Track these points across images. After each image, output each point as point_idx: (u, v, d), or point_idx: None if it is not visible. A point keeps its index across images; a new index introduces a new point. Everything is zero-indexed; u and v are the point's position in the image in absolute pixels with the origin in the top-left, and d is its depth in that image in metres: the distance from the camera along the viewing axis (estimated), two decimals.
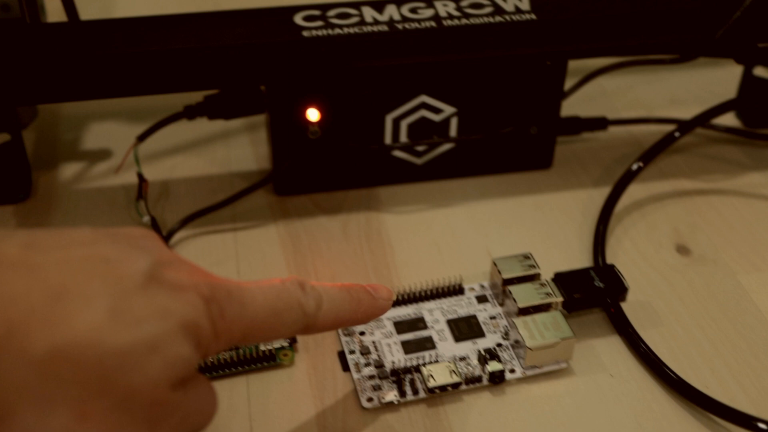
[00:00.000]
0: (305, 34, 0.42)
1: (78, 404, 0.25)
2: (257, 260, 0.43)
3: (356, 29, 0.43)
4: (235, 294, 0.29)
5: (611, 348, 0.39)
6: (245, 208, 0.46)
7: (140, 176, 0.45)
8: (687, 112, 0.49)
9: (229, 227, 0.45)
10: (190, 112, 0.46)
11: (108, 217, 0.45)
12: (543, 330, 0.37)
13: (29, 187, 0.46)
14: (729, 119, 0.53)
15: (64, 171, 0.48)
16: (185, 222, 0.44)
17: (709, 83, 0.56)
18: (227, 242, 0.44)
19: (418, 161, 0.47)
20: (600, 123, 0.50)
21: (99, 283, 0.26)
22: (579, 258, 0.43)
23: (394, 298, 0.36)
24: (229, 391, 0.37)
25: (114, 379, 0.25)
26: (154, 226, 0.44)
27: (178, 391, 0.27)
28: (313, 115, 0.44)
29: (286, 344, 0.38)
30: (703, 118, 0.47)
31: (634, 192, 0.47)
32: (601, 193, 0.47)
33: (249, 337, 0.30)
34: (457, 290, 0.41)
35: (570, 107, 0.51)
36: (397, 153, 0.47)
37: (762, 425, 0.35)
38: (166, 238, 0.43)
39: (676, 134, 0.47)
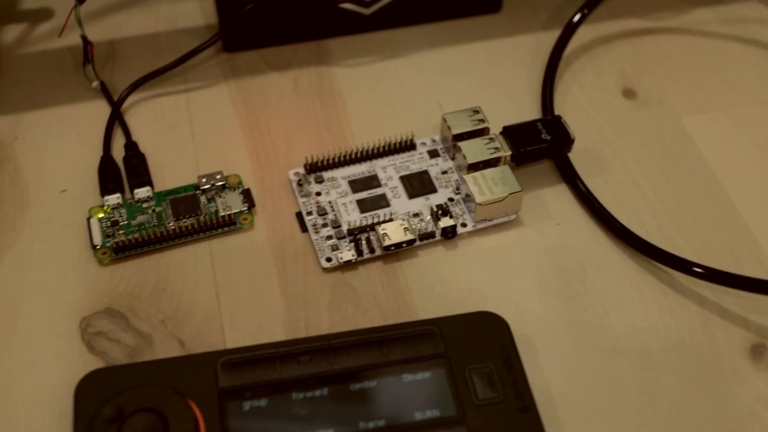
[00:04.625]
0: None
1: None
2: (210, 122, 0.43)
3: None
4: None
5: (558, 197, 0.40)
6: (195, 67, 0.46)
7: (84, 39, 0.44)
8: None
9: (181, 88, 0.45)
10: None
11: (56, 82, 0.45)
12: (492, 185, 0.38)
13: None
14: None
15: (5, 34, 0.47)
16: (135, 86, 0.44)
17: None
18: (179, 104, 0.44)
19: (366, 11, 0.47)
20: None
21: None
22: (528, 105, 0.44)
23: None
24: (193, 257, 0.38)
25: None
26: (104, 90, 0.44)
27: None
28: None
29: (245, 209, 0.39)
30: None
31: (583, 34, 0.47)
32: (551, 37, 0.47)
33: None
34: (408, 146, 0.42)
35: None
36: (345, 4, 0.46)
37: (697, 269, 0.37)
38: (117, 103, 0.43)
39: None
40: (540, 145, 0.40)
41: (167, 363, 0.33)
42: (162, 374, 0.33)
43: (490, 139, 0.40)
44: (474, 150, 0.40)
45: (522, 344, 0.35)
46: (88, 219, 0.39)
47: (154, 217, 0.39)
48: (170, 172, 0.41)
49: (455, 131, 0.40)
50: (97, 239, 0.38)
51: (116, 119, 0.43)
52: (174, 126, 0.43)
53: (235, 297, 0.37)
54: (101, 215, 0.39)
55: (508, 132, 0.40)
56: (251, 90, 0.45)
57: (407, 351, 0.34)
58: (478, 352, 0.34)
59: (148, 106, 0.44)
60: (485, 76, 0.46)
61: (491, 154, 0.39)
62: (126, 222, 0.38)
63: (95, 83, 0.44)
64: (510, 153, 0.40)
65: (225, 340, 0.35)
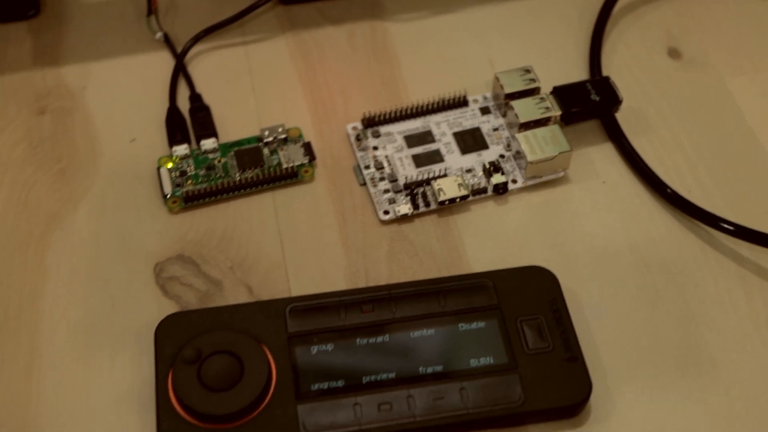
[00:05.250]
0: None
1: None
2: (270, 74, 0.45)
3: None
4: None
5: (604, 155, 0.42)
6: (253, 19, 0.47)
7: None
8: None
9: (239, 41, 0.46)
10: None
11: (120, 32, 0.46)
12: (543, 144, 0.40)
13: (38, 2, 0.47)
14: None
15: None
16: (197, 38, 0.45)
17: None
18: (239, 57, 0.46)
19: None
20: None
21: None
22: (575, 63, 0.46)
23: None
24: (258, 208, 0.40)
25: None
26: (167, 42, 0.46)
27: None
28: None
29: (306, 161, 0.41)
30: None
31: None
32: None
33: None
34: (461, 102, 0.43)
35: None
36: None
37: (728, 226, 0.39)
38: (181, 55, 0.45)
39: None
40: (589, 106, 0.42)
41: (239, 308, 0.36)
42: (235, 319, 0.35)
43: (541, 98, 0.42)
44: (526, 109, 0.41)
45: (568, 296, 0.37)
46: (158, 168, 0.41)
47: (221, 168, 0.41)
48: (232, 123, 0.43)
49: (507, 90, 0.42)
50: (168, 188, 0.40)
51: (180, 71, 0.44)
52: (235, 78, 0.45)
53: (298, 246, 0.39)
54: (170, 165, 0.41)
55: (558, 92, 0.42)
56: (308, 43, 0.46)
57: (462, 302, 0.36)
58: (529, 305, 0.36)
59: (209, 58, 0.46)
60: (534, 34, 0.47)
61: (542, 113, 0.41)
62: (194, 172, 0.41)
63: (159, 34, 0.46)
64: (560, 113, 0.41)
65: (290, 288, 0.38)
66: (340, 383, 0.34)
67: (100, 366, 0.36)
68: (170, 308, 0.37)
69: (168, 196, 0.40)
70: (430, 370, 0.34)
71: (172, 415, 0.33)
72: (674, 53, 0.46)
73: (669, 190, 0.40)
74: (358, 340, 0.35)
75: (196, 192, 0.40)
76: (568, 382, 0.34)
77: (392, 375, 0.34)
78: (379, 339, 0.35)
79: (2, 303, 0.37)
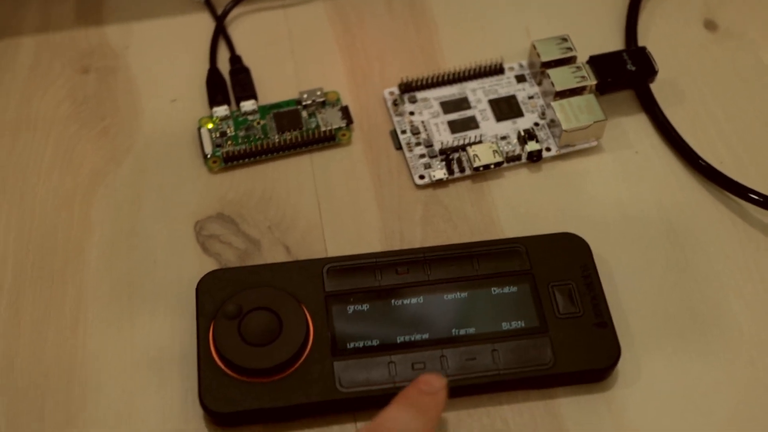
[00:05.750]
0: None
1: None
2: (308, 38, 0.45)
3: None
4: None
5: (638, 125, 0.43)
6: None
7: None
8: None
9: (279, 4, 0.47)
10: None
11: None
12: (578, 113, 0.41)
13: None
14: None
15: None
16: (237, 1, 0.46)
17: None
18: (279, 20, 0.46)
19: None
20: None
21: None
22: (611, 33, 0.46)
23: (445, 380, 0.33)
24: (296, 169, 0.41)
25: None
26: (208, 3, 0.46)
27: None
28: None
29: (343, 125, 0.42)
30: None
31: None
32: None
33: None
34: (497, 70, 0.44)
35: None
36: None
37: (754, 196, 0.39)
38: (221, 17, 0.45)
39: None
40: (625, 76, 0.42)
41: (278, 267, 0.37)
42: (274, 277, 0.36)
43: (577, 67, 0.42)
44: (562, 78, 0.42)
45: (599, 263, 0.37)
46: (199, 129, 0.42)
47: (260, 130, 0.42)
48: (271, 86, 0.44)
49: (544, 58, 0.42)
50: (208, 148, 0.41)
51: (220, 33, 0.45)
52: (274, 41, 0.45)
53: (335, 208, 0.40)
54: (211, 126, 0.42)
55: (595, 61, 0.42)
56: (346, 8, 0.47)
57: (495, 266, 0.37)
58: (560, 271, 0.37)
59: (249, 20, 0.46)
60: (571, 3, 0.47)
61: (578, 82, 0.42)
62: (234, 133, 0.41)
63: None
64: (595, 82, 0.42)
65: (327, 248, 0.39)
66: (375, 342, 0.35)
67: (142, 320, 0.37)
68: (210, 265, 0.38)
69: (208, 156, 0.41)
70: (462, 331, 0.35)
71: (213, 368, 0.34)
72: (710, 25, 0.46)
73: (702, 162, 0.41)
74: (393, 300, 0.36)
75: (235, 152, 0.41)
76: (598, 347, 0.35)
77: (426, 336, 0.35)
78: (414, 300, 0.36)
79: (48, 256, 0.38)
